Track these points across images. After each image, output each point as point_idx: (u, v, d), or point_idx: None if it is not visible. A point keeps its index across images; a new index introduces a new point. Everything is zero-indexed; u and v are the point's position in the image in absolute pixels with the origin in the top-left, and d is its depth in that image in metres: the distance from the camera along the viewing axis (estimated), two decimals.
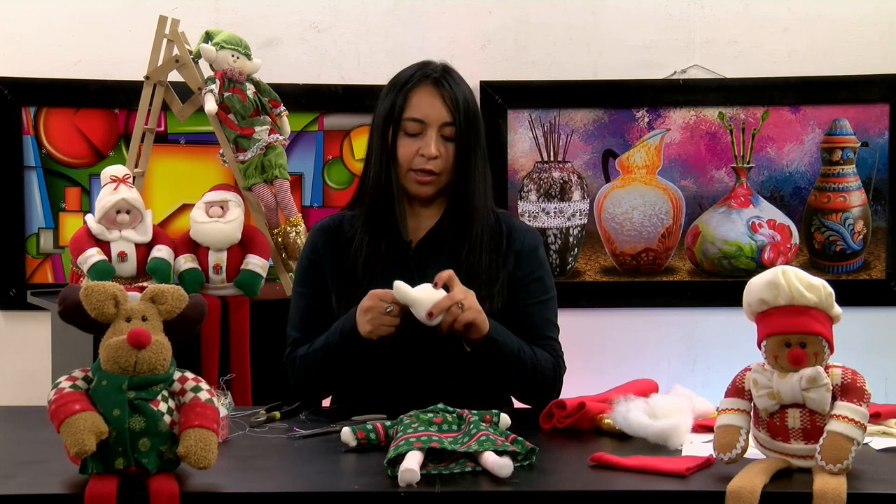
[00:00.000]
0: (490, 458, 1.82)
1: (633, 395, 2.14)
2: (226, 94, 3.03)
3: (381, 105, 2.43)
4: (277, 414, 2.24)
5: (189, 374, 1.83)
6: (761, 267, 3.70)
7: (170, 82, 3.16)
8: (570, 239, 3.76)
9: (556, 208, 3.75)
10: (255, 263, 2.99)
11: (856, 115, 3.72)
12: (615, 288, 3.77)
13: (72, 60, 3.63)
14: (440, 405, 1.99)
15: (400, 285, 2.18)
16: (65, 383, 1.77)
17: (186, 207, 3.53)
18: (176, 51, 3.11)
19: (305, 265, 2.50)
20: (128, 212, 2.92)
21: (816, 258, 3.76)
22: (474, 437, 1.87)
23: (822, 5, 3.73)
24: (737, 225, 3.76)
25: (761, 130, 3.73)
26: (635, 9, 3.75)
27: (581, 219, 3.76)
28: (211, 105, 3.00)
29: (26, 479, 1.82)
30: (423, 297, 2.18)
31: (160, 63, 3.12)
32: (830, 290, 1.84)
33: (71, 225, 3.59)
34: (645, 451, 1.96)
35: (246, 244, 3.01)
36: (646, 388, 2.24)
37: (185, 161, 3.67)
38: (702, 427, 2.10)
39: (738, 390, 1.87)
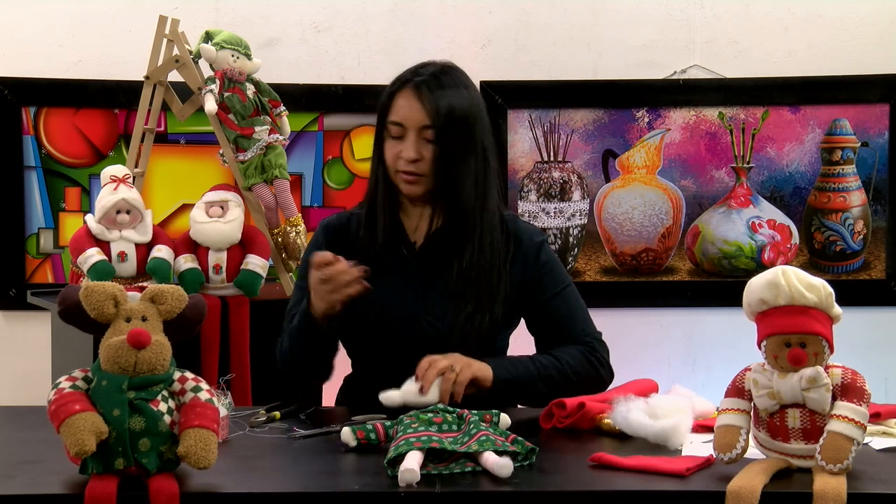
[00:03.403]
0: (490, 458, 1.81)
1: (633, 395, 2.14)
2: (226, 94, 3.03)
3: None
4: (277, 414, 2.24)
5: (189, 374, 1.83)
6: (761, 267, 3.70)
7: (170, 82, 3.16)
8: (570, 239, 3.76)
9: (556, 208, 3.75)
10: (255, 263, 2.98)
11: (856, 115, 3.72)
12: (615, 288, 3.77)
13: (72, 60, 3.63)
14: (440, 405, 1.99)
15: (382, 396, 2.18)
16: (65, 383, 1.77)
17: (186, 207, 3.53)
18: (176, 51, 3.11)
19: (307, 261, 2.51)
20: (128, 212, 2.92)
21: (816, 258, 3.76)
22: (474, 437, 1.87)
23: (822, 5, 3.73)
24: (737, 225, 3.76)
25: (761, 130, 3.73)
26: (635, 9, 3.75)
27: (581, 219, 3.76)
28: (211, 105, 3.00)
29: (26, 479, 1.82)
30: (409, 386, 2.19)
31: (160, 63, 3.11)
32: (830, 290, 1.83)
33: (71, 225, 3.59)
34: (645, 451, 1.96)
35: (246, 244, 3.01)
36: (646, 388, 2.24)
37: (185, 161, 3.67)
38: (702, 427, 2.10)
39: (738, 390, 1.87)
